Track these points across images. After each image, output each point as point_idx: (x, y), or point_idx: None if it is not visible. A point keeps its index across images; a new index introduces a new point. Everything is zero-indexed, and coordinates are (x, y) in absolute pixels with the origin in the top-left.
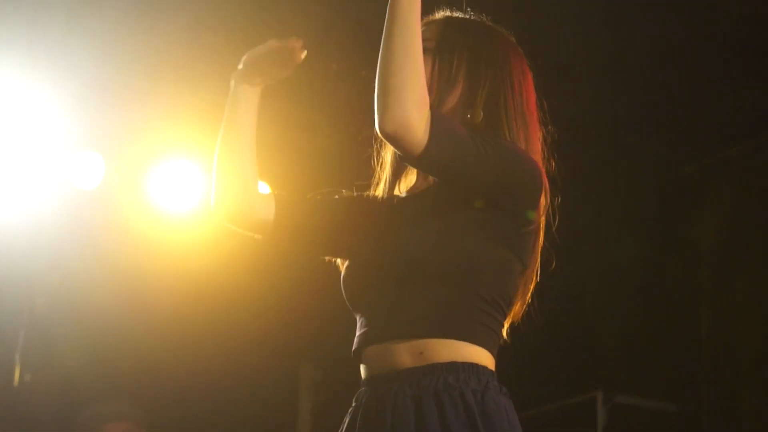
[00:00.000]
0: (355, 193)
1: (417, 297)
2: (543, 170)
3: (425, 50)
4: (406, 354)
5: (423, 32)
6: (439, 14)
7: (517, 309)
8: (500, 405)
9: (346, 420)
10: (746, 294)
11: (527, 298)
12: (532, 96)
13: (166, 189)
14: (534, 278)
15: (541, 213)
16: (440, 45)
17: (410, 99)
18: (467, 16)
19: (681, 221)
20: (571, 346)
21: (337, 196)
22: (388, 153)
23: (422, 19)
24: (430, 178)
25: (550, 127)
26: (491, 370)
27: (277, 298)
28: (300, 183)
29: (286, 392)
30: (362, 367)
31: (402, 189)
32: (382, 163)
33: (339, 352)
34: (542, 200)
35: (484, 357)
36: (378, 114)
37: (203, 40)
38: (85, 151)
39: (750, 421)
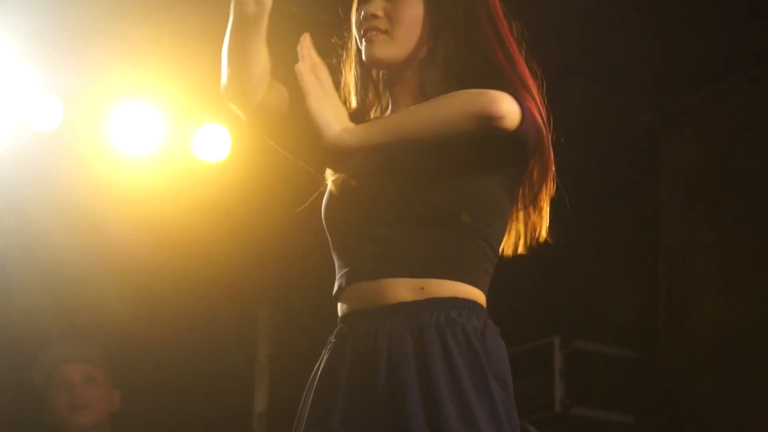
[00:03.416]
0: None
1: (422, 237)
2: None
3: None
4: (404, 289)
5: None
6: None
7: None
8: (498, 344)
9: (325, 356)
10: (704, 242)
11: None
12: (509, 32)
13: (125, 131)
14: (535, 217)
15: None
16: None
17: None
18: None
19: (639, 169)
20: (528, 291)
21: None
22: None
23: None
24: None
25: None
26: (486, 309)
27: (235, 239)
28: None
29: (243, 336)
30: (344, 305)
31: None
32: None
33: (299, 294)
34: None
35: (480, 297)
36: (483, 119)
37: None
38: (43, 92)
39: (706, 366)
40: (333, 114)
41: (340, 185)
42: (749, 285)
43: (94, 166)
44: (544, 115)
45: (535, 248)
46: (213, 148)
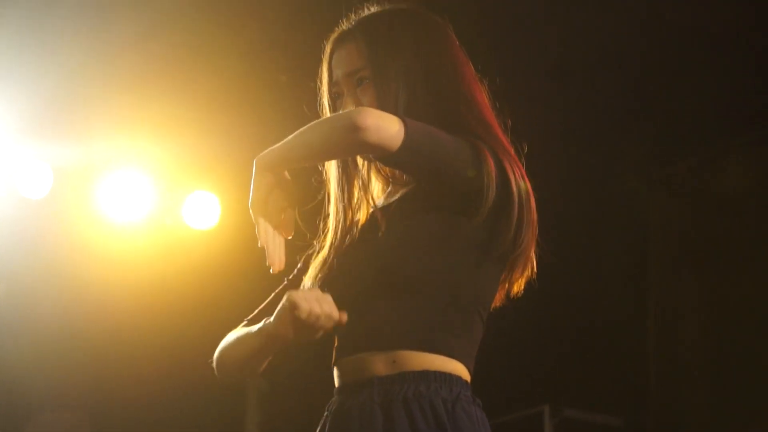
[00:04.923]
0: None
1: (390, 308)
2: (502, 156)
3: (361, 80)
4: (378, 363)
5: (347, 59)
6: (346, 25)
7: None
8: (471, 415)
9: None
10: (692, 308)
11: (527, 273)
12: (475, 85)
13: (115, 199)
14: (523, 268)
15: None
16: (375, 73)
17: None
18: (377, 11)
19: (627, 235)
20: (518, 360)
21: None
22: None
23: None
24: (398, 188)
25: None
26: (465, 381)
27: (223, 308)
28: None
29: (233, 404)
30: (335, 377)
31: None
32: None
33: (288, 363)
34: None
35: (458, 367)
36: (348, 131)
37: (153, 50)
38: (33, 160)
39: None
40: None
41: (324, 262)
42: (738, 348)
43: (83, 233)
44: (518, 164)
45: (525, 317)
46: (203, 215)
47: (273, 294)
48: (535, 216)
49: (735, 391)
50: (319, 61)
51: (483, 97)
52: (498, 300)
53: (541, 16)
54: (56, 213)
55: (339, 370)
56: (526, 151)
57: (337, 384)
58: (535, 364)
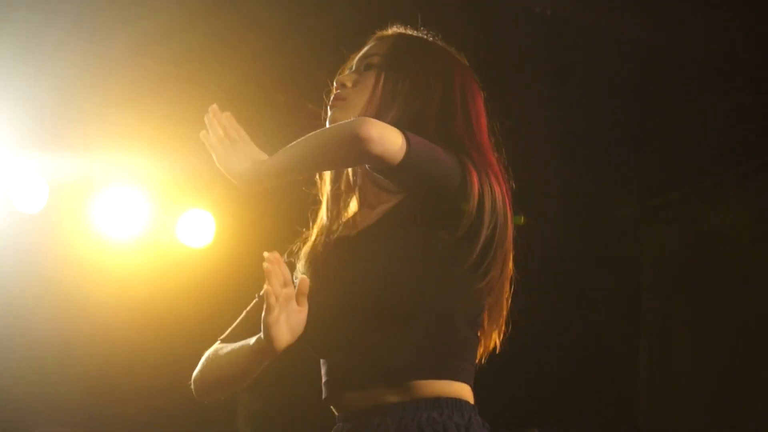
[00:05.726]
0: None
1: (395, 341)
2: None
3: (370, 65)
4: (389, 394)
5: (372, 47)
6: (391, 30)
7: (494, 336)
8: None
9: None
10: (684, 334)
11: (501, 323)
12: (482, 116)
13: (110, 215)
14: (502, 303)
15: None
16: (386, 61)
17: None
18: (419, 35)
19: (621, 263)
20: (508, 383)
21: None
22: (327, 185)
23: (374, 33)
24: (376, 210)
25: (503, 150)
26: (473, 405)
27: (218, 326)
28: (248, 215)
29: (224, 423)
30: (337, 407)
31: (343, 223)
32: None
33: (279, 382)
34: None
35: (466, 392)
36: (351, 141)
37: (149, 67)
38: (28, 174)
39: None
40: (237, 161)
41: (316, 302)
42: (730, 376)
43: (78, 248)
44: (505, 192)
45: (516, 341)
46: (197, 233)
47: (245, 312)
48: (510, 238)
49: (727, 418)
50: (316, 82)
51: (486, 136)
52: (486, 350)
53: (539, 45)
54: (51, 227)
55: (343, 401)
56: (515, 185)
57: (341, 411)
58: (525, 388)
